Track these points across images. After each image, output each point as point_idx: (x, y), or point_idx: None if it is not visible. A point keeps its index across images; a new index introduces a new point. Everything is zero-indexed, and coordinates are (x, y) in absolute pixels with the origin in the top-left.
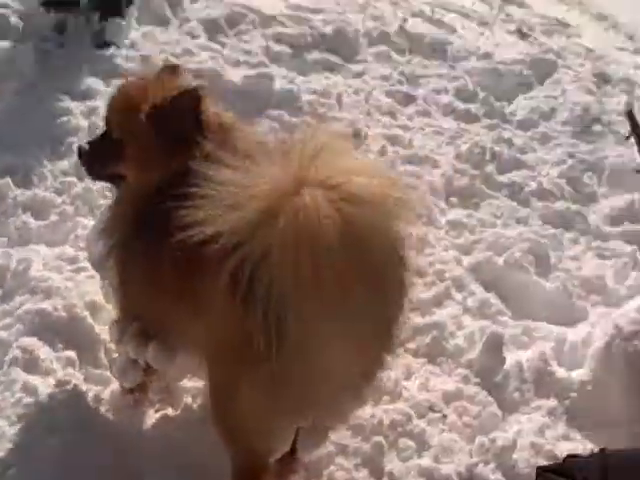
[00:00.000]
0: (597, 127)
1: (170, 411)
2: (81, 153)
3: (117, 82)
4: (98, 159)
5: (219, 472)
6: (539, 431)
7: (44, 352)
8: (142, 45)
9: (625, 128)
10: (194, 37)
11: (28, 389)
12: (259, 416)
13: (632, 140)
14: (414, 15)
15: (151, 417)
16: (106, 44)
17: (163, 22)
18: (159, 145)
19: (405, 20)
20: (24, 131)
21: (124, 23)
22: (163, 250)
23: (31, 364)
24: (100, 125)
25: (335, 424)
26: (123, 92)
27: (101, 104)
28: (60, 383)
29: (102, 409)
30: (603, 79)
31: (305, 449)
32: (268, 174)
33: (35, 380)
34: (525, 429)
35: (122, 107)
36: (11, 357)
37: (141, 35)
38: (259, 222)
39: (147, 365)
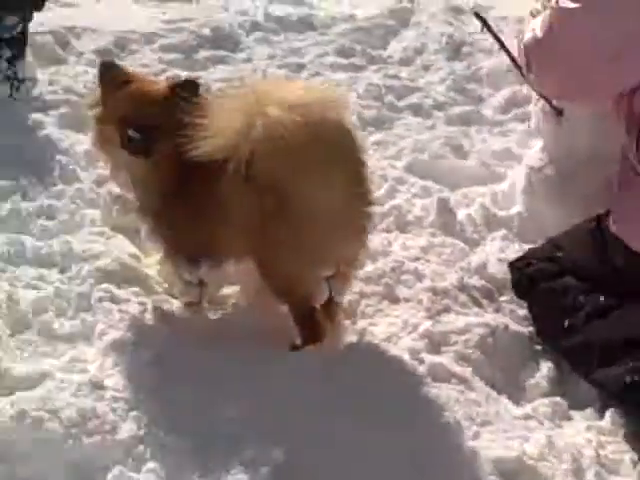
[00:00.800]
0: (466, 49)
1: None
2: (133, 140)
3: (54, 113)
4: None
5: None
6: (501, 251)
7: (119, 291)
8: (59, 80)
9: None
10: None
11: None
12: (295, 270)
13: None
14: (270, 3)
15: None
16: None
17: (61, 61)
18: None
19: (267, 7)
20: None
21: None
22: (196, 188)
23: (114, 298)
24: None
25: (351, 269)
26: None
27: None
28: (140, 304)
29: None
30: (457, 12)
31: (338, 295)
32: (235, 106)
33: (121, 306)
34: (488, 252)
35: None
36: (97, 297)
37: (50, 73)
38: (238, 138)
39: (199, 282)
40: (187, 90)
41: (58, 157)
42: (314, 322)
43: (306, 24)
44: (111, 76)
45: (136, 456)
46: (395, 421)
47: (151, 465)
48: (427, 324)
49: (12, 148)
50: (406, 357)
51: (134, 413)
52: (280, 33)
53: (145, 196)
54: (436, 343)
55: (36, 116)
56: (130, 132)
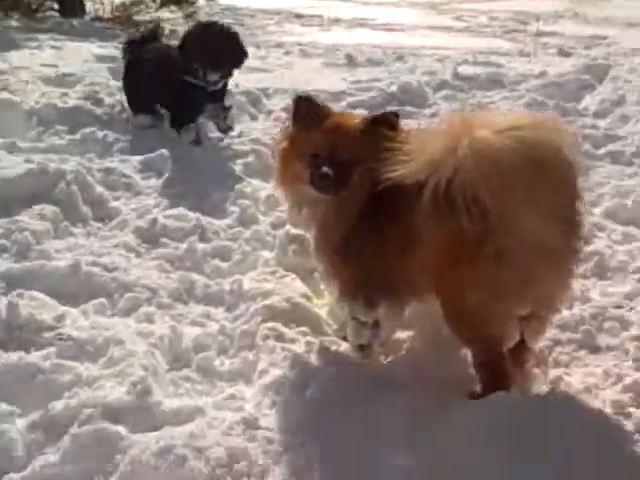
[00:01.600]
0: None
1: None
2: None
3: (241, 161)
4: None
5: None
6: None
7: (285, 330)
8: (249, 133)
9: None
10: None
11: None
12: (486, 307)
13: None
14: (459, 64)
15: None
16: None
17: (252, 117)
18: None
19: (455, 67)
20: None
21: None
22: (383, 222)
23: (280, 337)
24: None
25: (550, 312)
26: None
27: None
28: (307, 344)
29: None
30: None
31: (531, 339)
32: (439, 131)
33: (286, 345)
34: None
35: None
36: (262, 335)
37: (241, 127)
38: (443, 156)
39: (373, 323)
40: (387, 123)
41: (240, 201)
42: (501, 368)
43: (495, 82)
44: (306, 110)
45: None
46: None
47: None
48: (635, 375)
49: (198, 192)
50: (608, 411)
51: (288, 457)
52: (467, 91)
53: (325, 233)
54: None
55: (225, 163)
56: (324, 168)
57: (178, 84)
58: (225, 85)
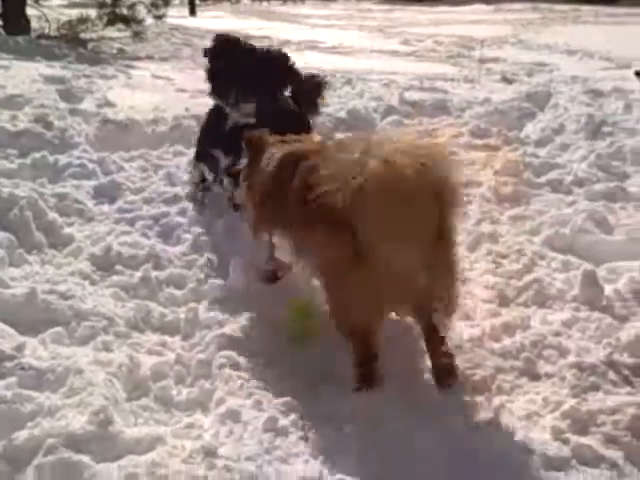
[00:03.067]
0: (606, 129)
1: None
2: None
3: None
4: None
5: None
6: None
7: (240, 359)
8: None
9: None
10: None
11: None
12: (365, 303)
13: None
14: (406, 89)
15: None
16: None
17: None
18: None
19: (402, 93)
20: None
21: None
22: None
23: (235, 365)
24: None
25: (443, 304)
26: None
27: None
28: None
29: None
30: (596, 94)
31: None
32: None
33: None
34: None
35: None
36: (218, 363)
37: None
38: (348, 182)
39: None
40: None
41: (193, 228)
42: (371, 368)
43: (440, 108)
44: None
45: None
46: None
47: None
48: (572, 402)
49: (151, 218)
50: (547, 437)
51: None
52: (413, 117)
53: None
54: (582, 423)
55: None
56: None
57: None
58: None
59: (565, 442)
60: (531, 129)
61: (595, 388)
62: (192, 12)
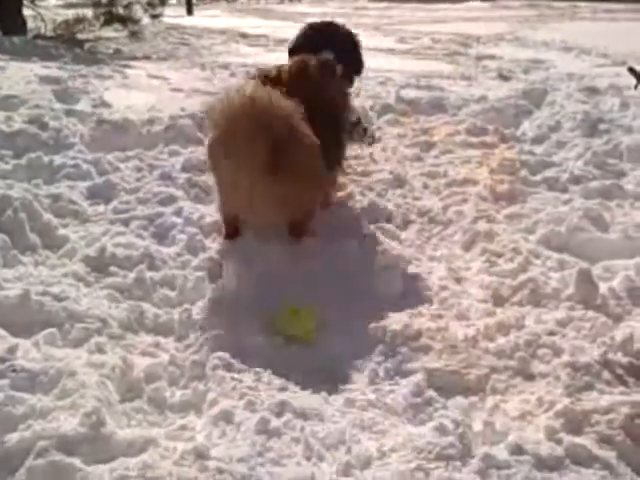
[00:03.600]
0: (602, 126)
1: None
2: None
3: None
4: None
5: None
6: None
7: (233, 360)
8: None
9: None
10: None
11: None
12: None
13: None
14: (402, 87)
15: None
16: None
17: (200, 142)
18: None
19: (399, 91)
20: None
21: None
22: None
23: (228, 366)
24: None
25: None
26: None
27: None
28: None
29: None
30: (592, 91)
31: None
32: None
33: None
34: (634, 327)
35: None
36: (212, 365)
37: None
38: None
39: None
40: None
41: (188, 228)
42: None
43: (437, 106)
44: None
45: None
46: None
47: None
48: (566, 402)
49: (145, 219)
50: (541, 437)
51: None
52: (410, 115)
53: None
54: (576, 423)
55: (171, 189)
56: None
57: None
58: None
59: (559, 442)
60: (527, 126)
61: (589, 387)
62: (189, 11)
